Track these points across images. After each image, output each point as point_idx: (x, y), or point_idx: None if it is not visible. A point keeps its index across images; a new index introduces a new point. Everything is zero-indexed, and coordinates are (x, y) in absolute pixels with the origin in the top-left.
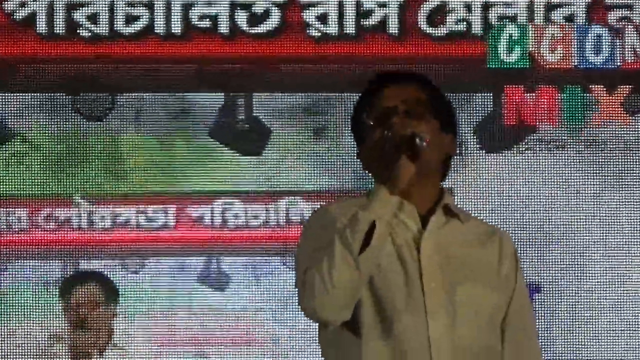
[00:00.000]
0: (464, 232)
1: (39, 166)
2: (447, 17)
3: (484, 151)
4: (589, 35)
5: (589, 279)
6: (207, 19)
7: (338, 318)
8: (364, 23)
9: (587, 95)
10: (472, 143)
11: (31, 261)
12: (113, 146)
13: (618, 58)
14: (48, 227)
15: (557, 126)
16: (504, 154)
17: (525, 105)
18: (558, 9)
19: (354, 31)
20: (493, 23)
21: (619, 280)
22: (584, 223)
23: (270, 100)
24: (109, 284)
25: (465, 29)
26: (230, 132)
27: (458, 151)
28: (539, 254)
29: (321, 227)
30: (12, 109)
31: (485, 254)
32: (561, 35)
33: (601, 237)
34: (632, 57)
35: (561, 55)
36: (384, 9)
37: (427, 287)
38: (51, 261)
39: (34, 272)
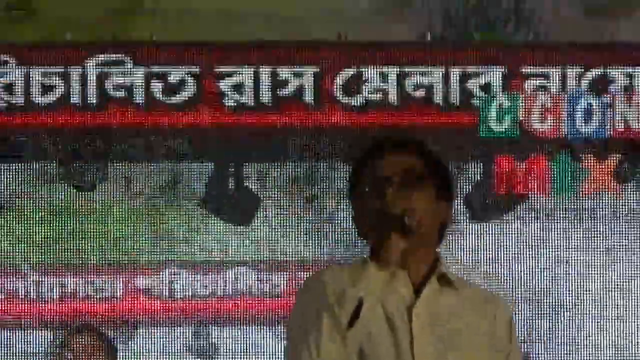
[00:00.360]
0: (458, 300)
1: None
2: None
3: (474, 220)
4: (579, 104)
5: (582, 346)
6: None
7: None
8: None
9: (578, 164)
10: (462, 212)
11: (18, 331)
12: (104, 215)
13: (608, 127)
14: (40, 297)
15: (547, 195)
16: (494, 223)
17: (515, 175)
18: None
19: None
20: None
21: (616, 347)
22: (576, 292)
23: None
24: (107, 338)
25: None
26: (221, 201)
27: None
28: (530, 323)
29: (311, 300)
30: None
31: (479, 322)
32: (552, 104)
33: (593, 305)
34: (622, 126)
35: (551, 124)
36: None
37: (417, 357)
38: (38, 331)
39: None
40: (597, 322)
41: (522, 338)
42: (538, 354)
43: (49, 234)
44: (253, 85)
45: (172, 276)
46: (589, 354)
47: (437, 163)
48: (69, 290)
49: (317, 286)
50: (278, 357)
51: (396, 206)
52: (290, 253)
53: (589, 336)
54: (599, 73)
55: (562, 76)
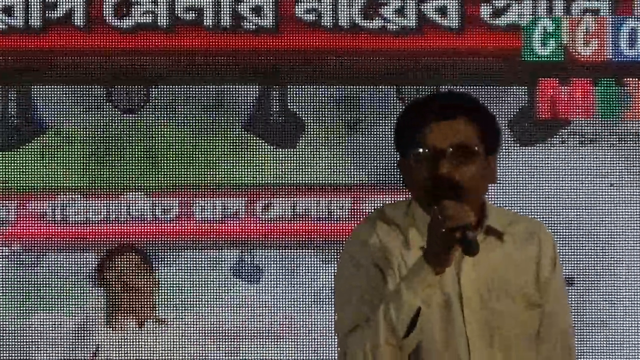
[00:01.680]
0: (502, 249)
1: (73, 159)
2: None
3: (518, 144)
4: (623, 28)
5: (627, 272)
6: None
7: None
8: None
9: (621, 88)
10: (506, 136)
11: (65, 253)
12: (148, 139)
13: None
14: (81, 219)
15: (591, 119)
16: (538, 147)
17: (559, 99)
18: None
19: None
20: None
21: None
22: (620, 216)
23: (305, 93)
24: (147, 257)
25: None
26: (265, 124)
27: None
28: (576, 247)
29: (363, 260)
30: (47, 101)
31: (522, 265)
32: (595, 28)
33: (634, 230)
34: None
35: (595, 48)
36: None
37: (466, 310)
38: (85, 253)
39: (67, 264)
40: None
41: (568, 270)
42: (579, 279)
43: (93, 157)
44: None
45: (218, 199)
46: (634, 283)
47: (485, 121)
48: (114, 214)
49: (364, 252)
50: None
51: (460, 219)
52: (334, 177)
53: (632, 262)
54: None
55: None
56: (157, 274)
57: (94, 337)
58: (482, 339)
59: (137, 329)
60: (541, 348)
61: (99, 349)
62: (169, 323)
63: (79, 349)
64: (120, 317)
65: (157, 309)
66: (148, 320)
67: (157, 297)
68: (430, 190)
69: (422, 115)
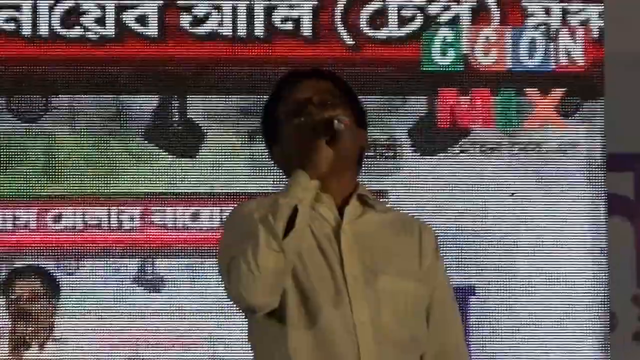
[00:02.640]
0: (381, 221)
1: None
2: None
3: (418, 154)
4: (523, 37)
5: (523, 280)
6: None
7: (265, 304)
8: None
9: (521, 98)
10: (406, 145)
11: None
12: (48, 148)
13: (552, 61)
14: None
15: (491, 129)
16: (438, 157)
17: (459, 108)
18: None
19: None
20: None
21: (551, 280)
22: (518, 225)
23: (205, 103)
24: (49, 278)
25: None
26: (165, 134)
27: (393, 154)
28: (474, 256)
29: (241, 219)
30: None
31: (404, 243)
32: (495, 37)
33: (535, 238)
34: (566, 60)
35: (495, 57)
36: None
37: (349, 277)
38: None
39: None
40: (539, 254)
41: (464, 273)
42: (479, 287)
43: None
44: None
45: (119, 209)
46: (530, 288)
47: (352, 93)
48: (19, 222)
49: (246, 206)
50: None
51: (322, 114)
52: (235, 186)
53: (531, 270)
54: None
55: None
56: (58, 295)
57: None
58: (367, 302)
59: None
60: (432, 336)
61: None
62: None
63: None
64: (21, 341)
65: (55, 329)
66: (47, 341)
67: (57, 318)
68: (302, 136)
69: (286, 82)
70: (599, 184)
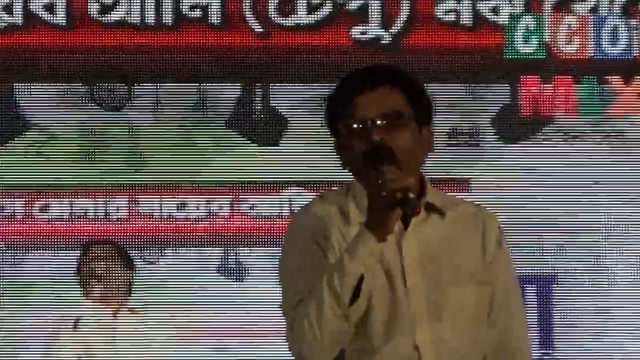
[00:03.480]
0: (445, 227)
1: (57, 157)
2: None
3: (501, 142)
4: (606, 26)
5: (605, 269)
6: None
7: None
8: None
9: (604, 86)
10: (489, 134)
11: (48, 251)
12: (131, 136)
13: (634, 49)
14: (65, 217)
15: (573, 117)
16: (520, 145)
17: (541, 96)
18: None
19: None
20: (511, 13)
21: (633, 272)
22: (601, 213)
23: (288, 91)
24: (125, 252)
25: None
26: (248, 122)
27: (476, 142)
28: (555, 245)
29: (302, 244)
30: (31, 99)
31: (467, 245)
32: (577, 26)
33: (618, 228)
34: None
35: (578, 46)
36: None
37: (410, 288)
38: (69, 251)
39: (50, 262)
40: (621, 244)
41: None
42: (561, 276)
43: (79, 155)
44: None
45: (204, 197)
46: (612, 277)
47: (414, 90)
48: (98, 211)
49: (308, 223)
50: None
51: (398, 182)
52: (319, 174)
53: (613, 259)
54: None
55: None
56: (134, 268)
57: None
58: (428, 314)
59: (111, 318)
60: (493, 330)
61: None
62: (145, 317)
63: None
64: (94, 306)
65: (130, 301)
66: (121, 310)
67: (133, 290)
68: (365, 159)
69: (348, 89)
70: None
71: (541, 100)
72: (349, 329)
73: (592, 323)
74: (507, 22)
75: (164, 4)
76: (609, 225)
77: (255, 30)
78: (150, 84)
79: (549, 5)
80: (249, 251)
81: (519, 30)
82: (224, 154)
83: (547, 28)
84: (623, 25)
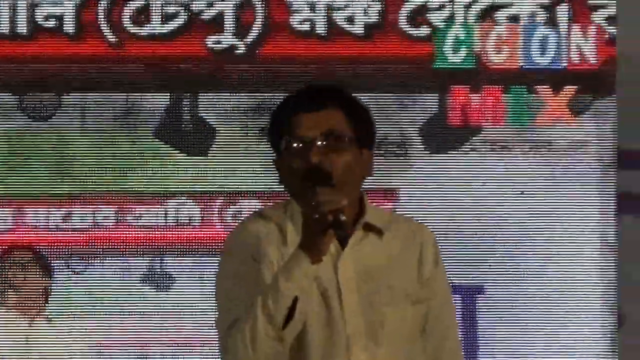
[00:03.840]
0: (382, 246)
1: None
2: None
3: (428, 152)
4: (535, 35)
5: (532, 279)
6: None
7: None
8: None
9: (533, 95)
10: (417, 143)
11: None
12: (59, 146)
13: (564, 59)
14: None
15: (502, 126)
16: (448, 155)
17: (470, 106)
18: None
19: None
20: (439, 24)
21: (561, 279)
22: (527, 223)
23: (216, 100)
24: (43, 259)
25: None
26: (176, 132)
27: (403, 152)
28: (482, 255)
29: (238, 262)
30: None
31: (404, 264)
32: (507, 35)
33: (544, 237)
34: (578, 58)
35: (507, 55)
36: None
37: (345, 306)
38: None
39: None
40: (549, 253)
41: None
42: (488, 287)
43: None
44: None
45: (130, 206)
46: (539, 287)
47: (357, 112)
48: (24, 221)
49: (244, 241)
50: None
51: (332, 203)
52: (244, 184)
53: (540, 269)
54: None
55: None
56: (52, 276)
57: None
58: (364, 334)
59: (27, 327)
60: (427, 345)
61: None
62: (63, 326)
63: None
64: (8, 313)
65: (49, 310)
66: (38, 318)
67: (51, 299)
68: (302, 180)
69: (291, 108)
70: (610, 182)
71: (470, 110)
72: (284, 349)
73: (517, 333)
74: (436, 32)
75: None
76: (536, 236)
77: (109, 40)
78: (78, 94)
79: (476, 15)
80: (175, 260)
81: (448, 40)
82: (151, 164)
83: (476, 38)
84: (552, 35)
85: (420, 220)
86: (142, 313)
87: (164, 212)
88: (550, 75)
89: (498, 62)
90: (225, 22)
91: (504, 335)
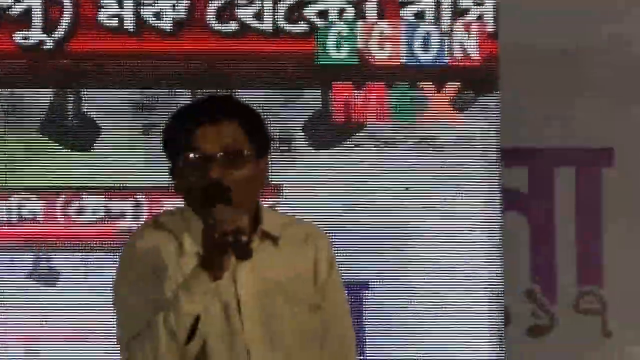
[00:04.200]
0: (278, 251)
1: None
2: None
3: (312, 148)
4: (418, 32)
5: (418, 276)
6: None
7: None
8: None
9: (416, 92)
10: (300, 140)
11: None
12: None
13: (446, 56)
14: None
15: (385, 123)
16: (332, 151)
17: (353, 103)
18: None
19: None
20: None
21: (446, 276)
22: (411, 221)
23: (100, 97)
24: None
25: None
26: (61, 128)
27: (287, 148)
28: (367, 252)
29: (138, 271)
30: None
31: (300, 268)
32: (390, 32)
33: (430, 233)
34: (461, 55)
35: (390, 52)
36: None
37: (245, 317)
38: None
39: None
40: (435, 250)
41: (358, 269)
42: (373, 283)
43: None
44: None
45: (15, 201)
46: (426, 278)
47: (254, 123)
48: None
49: (138, 261)
50: None
51: (232, 223)
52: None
53: (426, 262)
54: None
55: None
56: None
57: None
58: (263, 344)
59: None
60: (323, 353)
61: None
62: None
63: None
64: None
65: None
66: None
67: None
68: (201, 196)
69: (190, 119)
70: (494, 178)
71: (353, 106)
72: None
73: (404, 330)
74: (319, 29)
75: None
76: (422, 232)
77: None
78: None
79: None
80: (61, 256)
81: (331, 36)
82: (35, 159)
83: (359, 35)
84: (435, 32)
85: (305, 216)
86: (28, 307)
87: (50, 208)
88: (433, 72)
89: (381, 58)
90: (33, 18)
91: (390, 332)
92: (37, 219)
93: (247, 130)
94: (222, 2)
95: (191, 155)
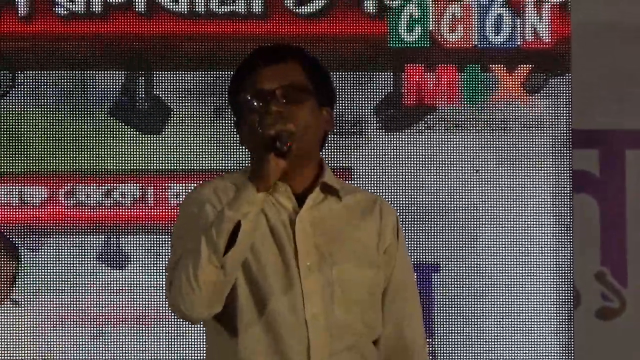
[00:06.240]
0: (341, 208)
1: None
2: None
3: (383, 131)
4: (489, 14)
5: (487, 259)
6: None
7: (205, 316)
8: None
9: (487, 74)
10: (372, 122)
11: None
12: (14, 124)
13: (518, 38)
14: None
15: (457, 106)
16: (403, 134)
17: (425, 85)
18: None
19: (261, 9)
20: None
21: (516, 258)
22: (482, 203)
23: (171, 79)
24: (8, 240)
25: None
26: (131, 110)
27: (358, 130)
28: (437, 235)
29: (194, 209)
30: None
31: (363, 229)
32: (461, 14)
33: (502, 219)
34: (532, 37)
35: (461, 34)
36: None
37: (302, 266)
38: None
39: None
40: (504, 232)
41: (429, 251)
42: (443, 265)
43: None
44: None
45: (84, 185)
46: (496, 260)
47: (317, 70)
48: None
49: (201, 193)
50: None
51: (272, 126)
52: (199, 162)
53: (496, 244)
54: None
55: None
56: (20, 258)
57: None
58: (320, 293)
59: None
60: (390, 309)
61: None
62: (29, 306)
63: None
64: None
65: (15, 291)
66: (5, 302)
67: (18, 280)
68: (255, 146)
69: (250, 63)
70: (565, 160)
71: (424, 89)
72: (227, 278)
73: (473, 312)
74: (391, 11)
75: None
76: (490, 214)
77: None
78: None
79: None
80: (129, 238)
81: (402, 19)
82: (108, 142)
83: (431, 17)
84: (507, 14)
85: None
86: (100, 289)
87: (117, 191)
88: (505, 54)
89: (452, 40)
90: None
91: (459, 314)
92: (104, 202)
93: (309, 76)
94: None
95: (249, 96)
